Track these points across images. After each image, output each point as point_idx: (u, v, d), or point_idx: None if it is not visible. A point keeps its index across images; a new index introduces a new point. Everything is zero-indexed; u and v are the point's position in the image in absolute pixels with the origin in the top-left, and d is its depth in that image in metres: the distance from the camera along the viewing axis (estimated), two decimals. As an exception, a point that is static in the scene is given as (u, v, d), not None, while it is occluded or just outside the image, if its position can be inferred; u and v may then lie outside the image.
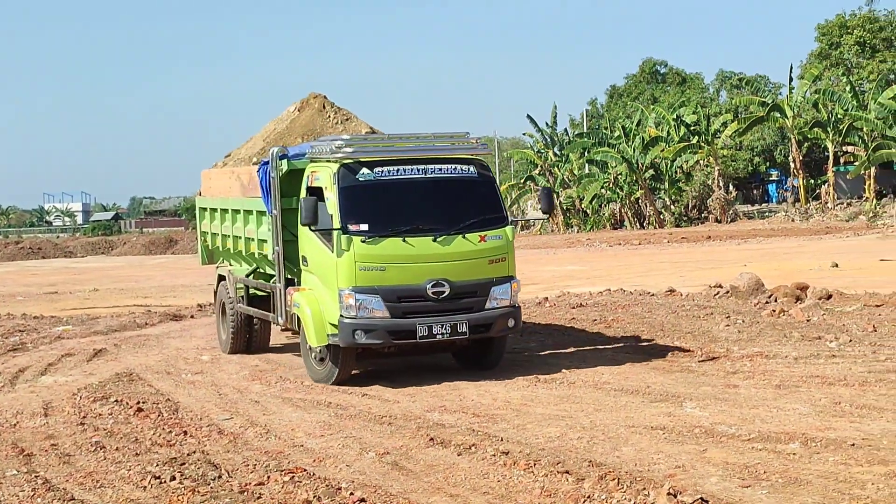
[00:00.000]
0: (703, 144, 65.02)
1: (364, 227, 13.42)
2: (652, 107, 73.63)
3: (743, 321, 17.50)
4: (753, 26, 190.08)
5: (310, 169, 14.34)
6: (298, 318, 14.33)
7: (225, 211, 17.38)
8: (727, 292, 20.84)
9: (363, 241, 13.38)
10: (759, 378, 13.06)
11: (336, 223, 13.49)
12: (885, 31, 65.65)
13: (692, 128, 66.29)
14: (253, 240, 16.10)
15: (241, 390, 14.11)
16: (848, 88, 60.75)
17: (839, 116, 60.81)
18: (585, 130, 77.15)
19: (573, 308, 20.93)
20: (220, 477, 9.48)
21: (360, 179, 13.64)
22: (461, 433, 10.78)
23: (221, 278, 17.72)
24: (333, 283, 13.59)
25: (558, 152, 73.17)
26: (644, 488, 8.49)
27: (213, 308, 20.73)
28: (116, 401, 13.35)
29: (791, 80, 64.75)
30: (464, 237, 13.70)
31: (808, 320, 17.42)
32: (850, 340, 15.33)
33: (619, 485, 8.59)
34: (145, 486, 9.30)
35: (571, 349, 16.24)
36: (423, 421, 11.50)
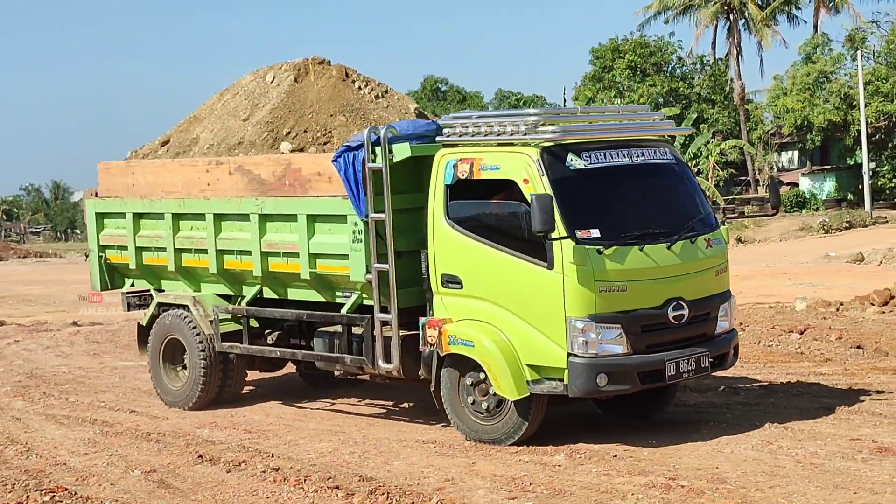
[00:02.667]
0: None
1: (595, 232, 10.09)
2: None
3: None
4: (531, 48, 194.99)
5: (453, 156, 10.66)
6: (439, 362, 10.75)
7: (199, 216, 12.68)
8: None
9: (600, 253, 10.02)
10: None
11: (559, 228, 9.96)
12: (654, 55, 68.08)
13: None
14: (278, 254, 11.91)
15: (2, 407, 13.54)
16: (619, 110, 62.61)
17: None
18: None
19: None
20: (-26, 498, 9.08)
21: (572, 169, 10.31)
22: (231, 449, 10.64)
23: (166, 308, 13.28)
24: (545, 311, 10.10)
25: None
26: (413, 502, 8.56)
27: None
28: None
29: (564, 101, 66.60)
30: (692, 242, 10.65)
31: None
32: None
33: (389, 499, 8.66)
34: None
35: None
36: (193, 437, 11.29)
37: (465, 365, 10.59)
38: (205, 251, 12.62)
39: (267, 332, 12.65)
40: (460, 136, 10.64)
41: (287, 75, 13.21)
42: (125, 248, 13.51)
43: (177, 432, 11.57)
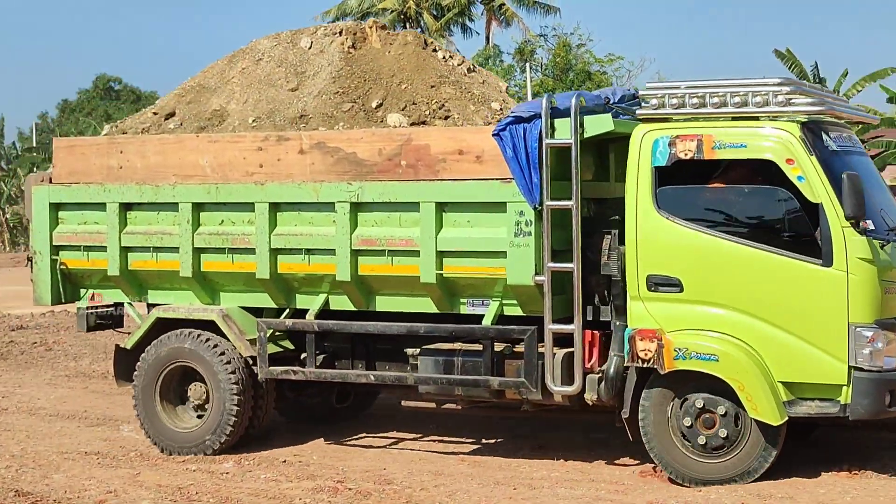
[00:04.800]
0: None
1: (870, 224, 8.47)
2: (106, 124, 72.26)
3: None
4: (207, 48, 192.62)
5: (664, 132, 8.82)
6: (638, 384, 8.90)
7: (240, 207, 10.07)
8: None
9: (882, 247, 8.50)
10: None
11: (838, 218, 8.35)
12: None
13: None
14: (379, 253, 9.59)
15: None
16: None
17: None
18: (35, 145, 74.29)
19: (12, 331, 19.93)
20: None
21: (829, 150, 8.72)
22: None
23: (170, 326, 10.42)
24: (817, 317, 8.47)
25: (5, 167, 69.93)
26: (72, 516, 8.23)
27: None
28: None
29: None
30: None
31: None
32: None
33: (47, 514, 8.27)
34: None
35: None
36: None
37: (683, 386, 8.81)
38: (247, 251, 10.03)
39: (304, 354, 10.10)
40: (672, 108, 8.81)
41: (331, 41, 11.02)
42: (98, 248, 10.63)
43: None
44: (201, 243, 10.20)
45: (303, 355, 10.06)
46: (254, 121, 10.52)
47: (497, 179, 9.13)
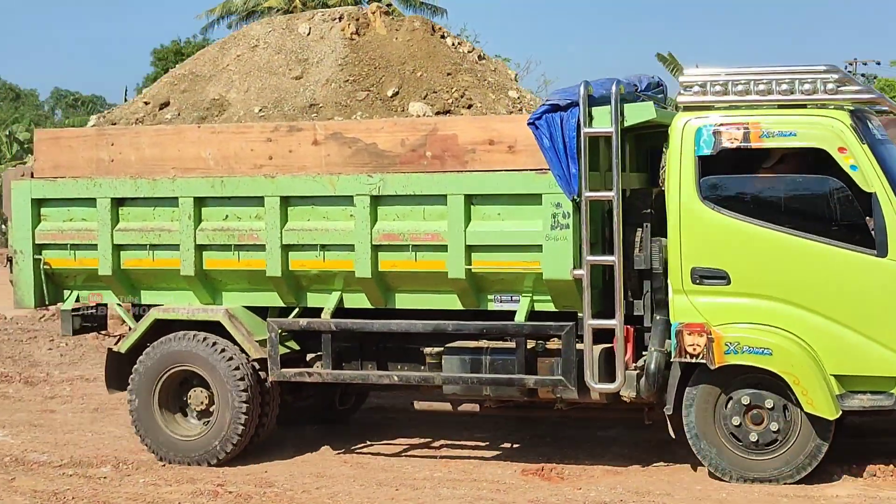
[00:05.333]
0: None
1: None
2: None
3: (66, 344, 17.13)
4: (91, 47, 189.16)
5: (707, 120, 8.58)
6: (682, 379, 8.69)
7: (248, 201, 9.55)
8: (53, 315, 20.35)
9: None
10: (77, 402, 12.82)
11: (893, 208, 8.22)
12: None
13: (26, 145, 64.44)
14: (402, 248, 9.17)
15: None
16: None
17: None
18: None
19: None
20: None
21: (876, 138, 8.65)
22: None
23: (171, 327, 9.83)
24: (873, 308, 8.36)
25: None
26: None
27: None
28: None
29: (126, 100, 64.99)
30: None
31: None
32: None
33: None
34: None
35: None
36: None
37: (729, 381, 8.63)
38: (256, 248, 9.49)
39: (311, 355, 9.73)
40: (715, 95, 8.58)
41: (331, 27, 10.57)
42: (86, 247, 9.95)
43: None
44: (204, 240, 9.60)
45: (308, 356, 9.69)
46: (260, 110, 10.03)
47: (532, 170, 8.77)
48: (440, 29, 10.86)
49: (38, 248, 10.10)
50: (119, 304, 10.11)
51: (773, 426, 8.48)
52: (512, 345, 9.02)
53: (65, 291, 10.29)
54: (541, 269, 8.79)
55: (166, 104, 10.51)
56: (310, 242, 9.37)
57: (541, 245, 8.75)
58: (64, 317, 10.34)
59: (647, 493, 8.48)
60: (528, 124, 8.66)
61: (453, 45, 10.74)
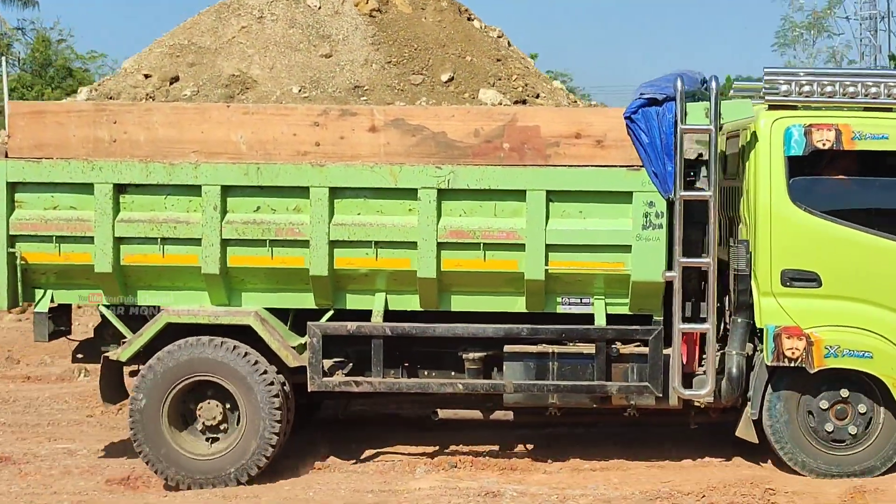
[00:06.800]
0: None
1: None
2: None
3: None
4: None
5: (797, 120, 8.44)
6: (767, 383, 8.56)
7: (288, 192, 8.47)
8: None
9: None
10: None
11: None
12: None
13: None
14: (473, 246, 8.42)
15: None
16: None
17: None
18: None
19: None
20: None
21: None
22: None
23: (184, 332, 8.65)
24: None
25: None
26: None
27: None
28: None
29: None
30: None
31: None
32: None
33: None
34: None
35: None
36: None
37: (812, 384, 8.57)
38: (296, 244, 8.46)
39: (337, 361, 8.86)
40: (803, 96, 8.47)
41: (342, 1, 9.55)
42: (76, 239, 8.57)
43: None
44: (231, 234, 8.47)
45: (328, 362, 8.71)
46: (300, 90, 8.98)
47: (623, 167, 8.28)
48: (466, 10, 10.01)
49: (12, 240, 8.60)
50: (108, 306, 8.78)
51: (860, 422, 8.52)
52: (581, 349, 8.60)
53: (36, 291, 8.84)
54: (627, 271, 8.37)
55: (176, 79, 9.24)
56: (362, 239, 8.46)
57: (630, 245, 8.32)
58: (37, 320, 8.85)
59: (234, 496, 8.17)
60: (625, 118, 8.26)
61: (481, 28, 9.95)
